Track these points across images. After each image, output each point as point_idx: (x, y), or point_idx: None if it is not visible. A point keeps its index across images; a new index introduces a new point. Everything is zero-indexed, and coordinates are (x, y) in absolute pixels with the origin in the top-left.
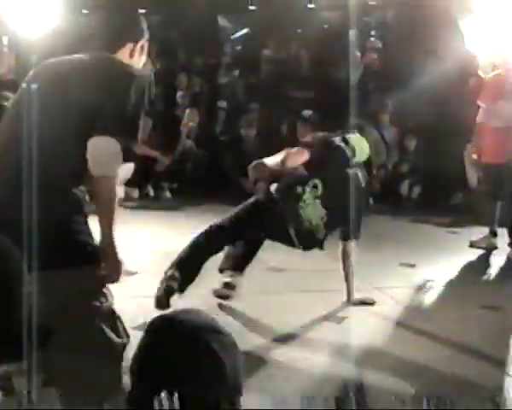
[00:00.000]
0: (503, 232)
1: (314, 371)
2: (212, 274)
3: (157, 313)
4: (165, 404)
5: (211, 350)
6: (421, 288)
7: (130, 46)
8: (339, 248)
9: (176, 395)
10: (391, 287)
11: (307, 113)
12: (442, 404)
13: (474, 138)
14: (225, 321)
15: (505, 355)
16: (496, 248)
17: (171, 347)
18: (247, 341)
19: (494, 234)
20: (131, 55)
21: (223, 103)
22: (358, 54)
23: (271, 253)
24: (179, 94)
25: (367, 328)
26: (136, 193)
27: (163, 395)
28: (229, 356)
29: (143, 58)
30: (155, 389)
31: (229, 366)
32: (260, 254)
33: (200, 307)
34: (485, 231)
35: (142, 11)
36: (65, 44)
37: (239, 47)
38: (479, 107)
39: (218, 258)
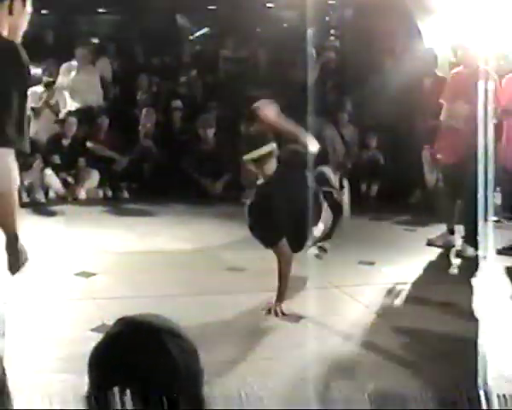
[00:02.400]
0: (459, 229)
1: (273, 371)
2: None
3: (116, 315)
4: (118, 402)
5: (167, 352)
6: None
7: (7, 2)
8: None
9: (129, 393)
10: (350, 285)
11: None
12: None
13: (432, 138)
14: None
15: (469, 354)
16: (453, 245)
17: (128, 346)
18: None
19: (451, 232)
20: (11, 12)
21: (177, 103)
22: (314, 53)
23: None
24: (138, 94)
25: (325, 327)
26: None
27: (115, 392)
28: (186, 359)
29: (27, 12)
30: (110, 387)
31: (187, 369)
32: (221, 253)
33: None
34: (443, 228)
35: (101, 11)
36: None
37: (198, 46)
38: (440, 105)
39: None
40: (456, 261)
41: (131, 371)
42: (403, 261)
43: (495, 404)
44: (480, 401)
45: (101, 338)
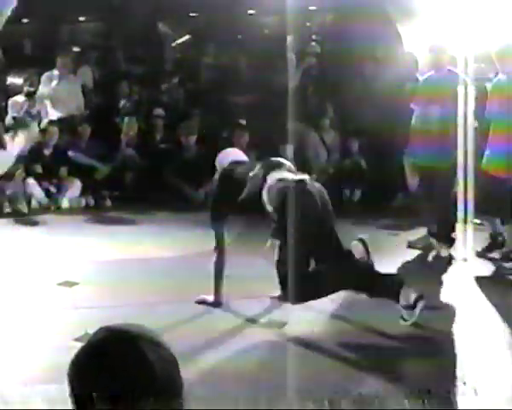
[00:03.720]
0: None
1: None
2: None
3: (98, 324)
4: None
5: (146, 360)
6: None
7: None
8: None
9: (107, 400)
10: None
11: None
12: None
13: (411, 140)
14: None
15: (451, 357)
16: (433, 248)
17: (107, 356)
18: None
19: (431, 234)
20: None
21: (159, 111)
22: (295, 58)
23: None
24: (120, 102)
25: (306, 326)
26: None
27: (96, 401)
28: (166, 368)
29: None
30: (90, 396)
31: (166, 377)
32: (204, 261)
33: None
34: (424, 231)
35: (82, 20)
36: None
37: (179, 54)
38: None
39: None
40: (433, 262)
41: (111, 380)
42: (386, 265)
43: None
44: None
45: (80, 348)
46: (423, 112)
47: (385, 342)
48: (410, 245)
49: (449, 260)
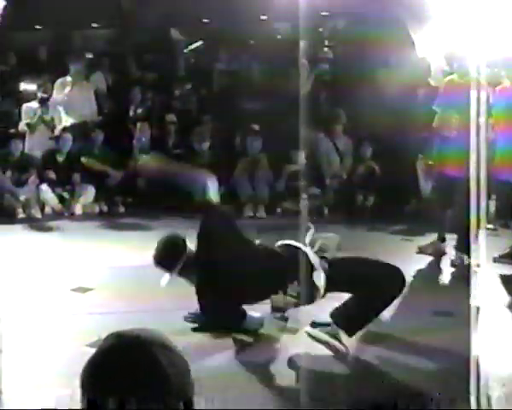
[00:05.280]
0: (452, 238)
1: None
2: None
3: (112, 330)
4: None
5: (158, 365)
6: None
7: None
8: None
9: (119, 405)
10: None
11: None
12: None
13: (426, 147)
14: None
15: (461, 362)
16: (444, 253)
17: (118, 361)
18: None
19: (442, 240)
20: None
21: (172, 117)
22: (308, 64)
23: None
24: (133, 108)
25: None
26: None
27: (107, 404)
28: (177, 372)
29: None
30: (103, 402)
31: (177, 382)
32: None
33: None
34: (435, 237)
35: (95, 26)
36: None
37: (192, 60)
38: (434, 114)
39: None
40: (447, 269)
41: (122, 386)
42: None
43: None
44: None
45: (93, 354)
46: (443, 115)
47: (398, 349)
48: (421, 250)
49: (463, 265)
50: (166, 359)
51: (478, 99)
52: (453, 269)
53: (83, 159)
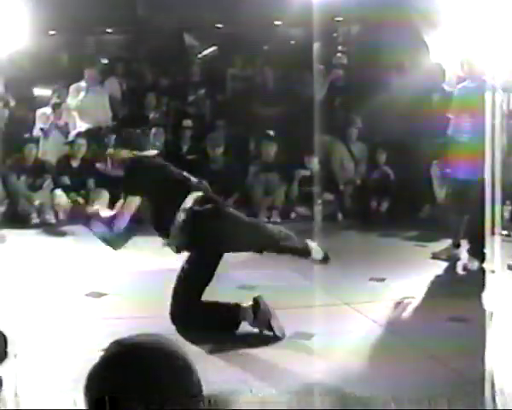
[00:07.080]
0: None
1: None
2: None
3: (126, 335)
4: None
5: (163, 371)
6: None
7: None
8: None
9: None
10: (361, 302)
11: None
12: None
13: (441, 153)
14: None
15: (477, 368)
16: (458, 259)
17: (120, 368)
18: None
19: (457, 245)
20: None
21: (188, 122)
22: (322, 69)
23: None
24: (147, 113)
25: (337, 343)
26: None
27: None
28: (184, 378)
29: None
30: (105, 407)
31: (184, 387)
32: (233, 272)
33: None
34: (449, 242)
35: (109, 31)
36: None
37: (206, 65)
38: (448, 120)
39: None
40: (462, 275)
41: (129, 391)
42: (413, 277)
43: None
44: None
45: (97, 360)
46: (458, 121)
47: (413, 355)
48: (434, 256)
49: (478, 272)
50: (174, 365)
51: (493, 102)
52: (468, 275)
53: (97, 164)
